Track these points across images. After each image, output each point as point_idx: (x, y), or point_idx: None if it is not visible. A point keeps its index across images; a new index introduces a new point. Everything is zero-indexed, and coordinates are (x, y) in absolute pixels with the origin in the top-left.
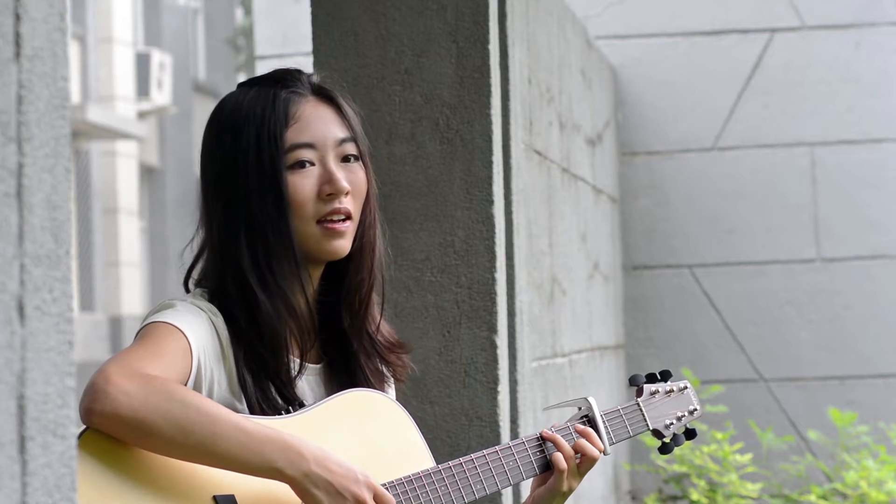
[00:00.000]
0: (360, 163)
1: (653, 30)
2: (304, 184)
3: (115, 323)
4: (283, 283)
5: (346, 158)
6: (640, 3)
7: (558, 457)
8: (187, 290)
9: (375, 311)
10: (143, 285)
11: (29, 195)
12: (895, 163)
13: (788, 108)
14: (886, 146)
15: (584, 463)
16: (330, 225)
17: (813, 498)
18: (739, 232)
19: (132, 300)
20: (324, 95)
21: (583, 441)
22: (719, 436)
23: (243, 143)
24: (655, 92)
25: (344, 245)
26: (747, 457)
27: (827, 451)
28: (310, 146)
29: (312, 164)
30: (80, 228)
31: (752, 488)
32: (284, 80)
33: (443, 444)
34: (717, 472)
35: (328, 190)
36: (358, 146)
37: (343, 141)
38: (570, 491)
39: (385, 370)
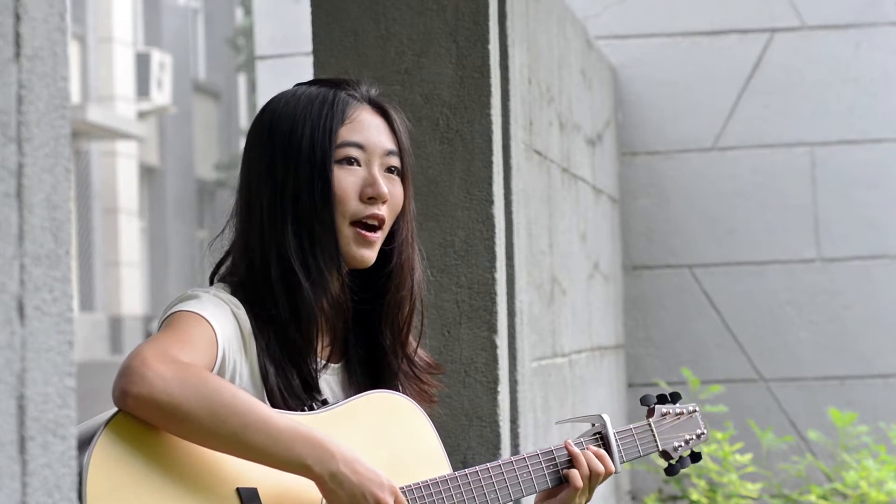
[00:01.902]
0: (402, 179)
1: (653, 30)
2: (348, 180)
3: (115, 323)
4: (324, 270)
5: (389, 169)
6: (639, 3)
7: (575, 474)
8: (212, 284)
9: (413, 333)
10: (142, 285)
11: (29, 195)
12: (895, 163)
13: (788, 108)
14: (886, 146)
15: (593, 479)
16: (363, 231)
17: (813, 498)
18: (739, 232)
19: (132, 300)
20: (378, 107)
21: (595, 460)
22: (719, 436)
23: (297, 134)
24: (655, 92)
25: (370, 255)
26: (747, 457)
27: (827, 451)
28: (360, 147)
29: (359, 164)
30: (80, 228)
31: (752, 488)
32: (344, 84)
33: (443, 444)
34: (717, 472)
35: (370, 193)
36: (403, 162)
37: (390, 153)
38: None
39: (415, 388)
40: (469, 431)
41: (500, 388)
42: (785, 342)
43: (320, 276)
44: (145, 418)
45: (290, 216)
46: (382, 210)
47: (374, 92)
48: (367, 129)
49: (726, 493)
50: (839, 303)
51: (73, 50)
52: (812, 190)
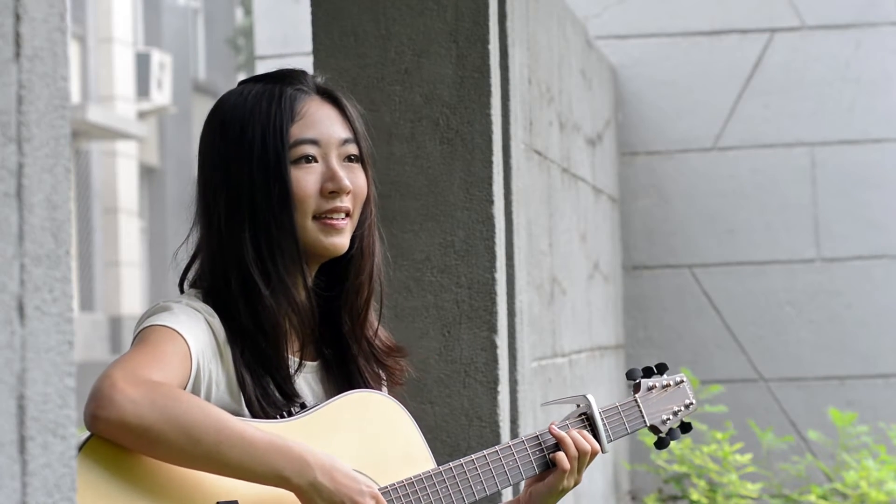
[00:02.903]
0: (361, 165)
1: (653, 30)
2: (307, 179)
3: (115, 323)
4: (286, 275)
5: (348, 158)
6: (639, 3)
7: (562, 456)
8: (182, 292)
9: (373, 317)
10: (143, 285)
11: (29, 195)
12: (895, 163)
13: (788, 107)
14: (886, 146)
15: (580, 457)
16: (328, 221)
17: (813, 498)
18: (739, 232)
19: (132, 300)
20: (327, 95)
21: (581, 440)
22: (719, 436)
23: (248, 137)
24: (655, 92)
25: (342, 242)
26: (747, 457)
27: (827, 451)
28: (314, 142)
29: (316, 160)
30: (80, 228)
31: (752, 488)
32: (289, 77)
33: (443, 444)
34: (718, 472)
35: (331, 187)
36: (360, 148)
37: (346, 141)
38: (570, 488)
39: (382, 374)
40: (469, 431)
41: (500, 388)
42: (785, 342)
43: (281, 282)
44: (118, 442)
45: (246, 223)
46: (346, 202)
47: (321, 80)
48: (319, 122)
49: (726, 493)
50: (839, 303)
51: (73, 50)
52: (812, 190)
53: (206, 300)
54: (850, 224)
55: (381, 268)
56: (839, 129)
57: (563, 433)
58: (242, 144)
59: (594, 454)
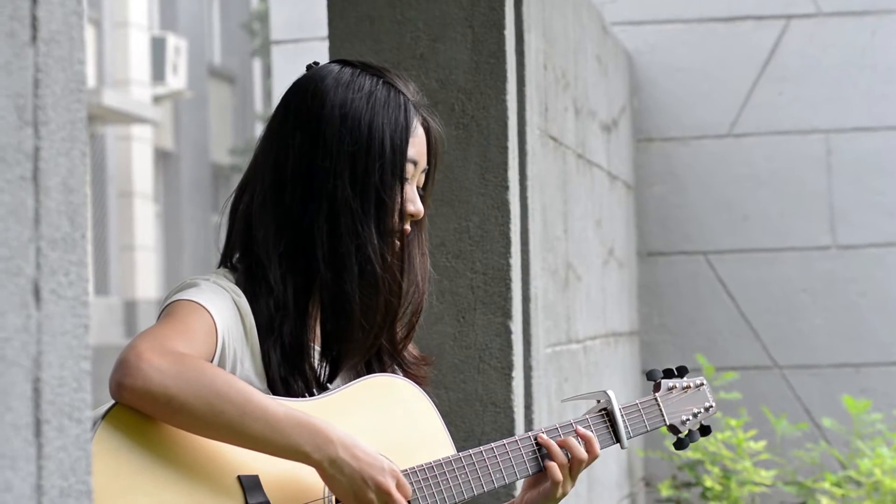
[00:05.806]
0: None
1: (668, 16)
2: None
3: (130, 307)
4: (388, 261)
5: (419, 187)
6: None
7: (553, 466)
8: (224, 259)
9: (400, 327)
10: (157, 269)
11: (45, 179)
12: None
13: (804, 94)
14: None
15: (574, 466)
16: (394, 239)
17: (827, 485)
18: (754, 219)
19: (147, 284)
20: (424, 120)
21: (573, 442)
22: (733, 423)
23: (378, 134)
24: (671, 78)
25: None
26: (761, 444)
27: (841, 439)
28: (414, 163)
29: (408, 180)
30: (96, 212)
31: (765, 475)
32: (399, 81)
33: (457, 429)
34: (731, 459)
35: (411, 209)
36: (429, 181)
37: (425, 171)
38: (563, 496)
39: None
40: (483, 417)
41: (514, 374)
42: (799, 329)
43: (386, 265)
44: (142, 410)
45: (372, 211)
46: (409, 226)
47: (421, 99)
48: (420, 144)
49: (740, 480)
50: (854, 290)
51: (89, 34)
52: (827, 177)
53: (237, 280)
54: (866, 211)
55: (425, 294)
56: (855, 116)
57: (549, 440)
58: (371, 139)
59: (592, 459)
